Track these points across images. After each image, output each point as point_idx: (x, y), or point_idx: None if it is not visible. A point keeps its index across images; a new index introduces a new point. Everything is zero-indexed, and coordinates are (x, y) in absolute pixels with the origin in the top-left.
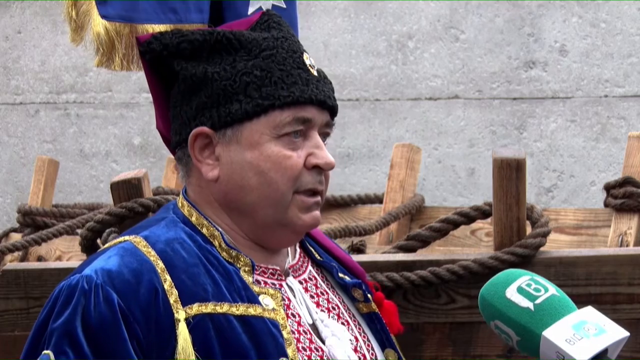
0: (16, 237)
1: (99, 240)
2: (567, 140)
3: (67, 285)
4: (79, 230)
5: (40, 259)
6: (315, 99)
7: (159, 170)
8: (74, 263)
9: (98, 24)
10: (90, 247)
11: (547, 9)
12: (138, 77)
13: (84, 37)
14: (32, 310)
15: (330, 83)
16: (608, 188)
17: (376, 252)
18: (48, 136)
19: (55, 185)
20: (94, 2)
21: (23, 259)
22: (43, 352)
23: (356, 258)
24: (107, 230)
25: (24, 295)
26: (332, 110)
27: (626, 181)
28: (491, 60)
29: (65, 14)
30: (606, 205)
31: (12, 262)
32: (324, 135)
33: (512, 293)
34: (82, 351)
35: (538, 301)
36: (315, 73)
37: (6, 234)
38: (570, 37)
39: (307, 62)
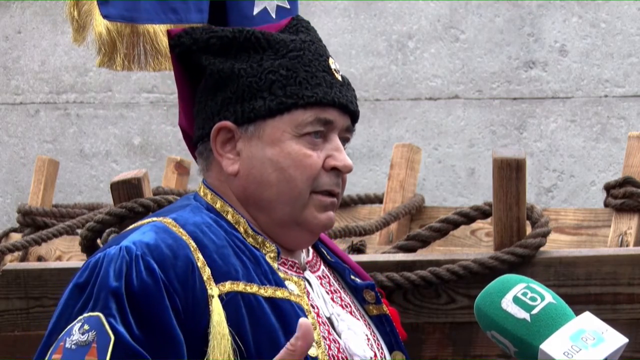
0: (16, 237)
1: (99, 240)
2: (567, 140)
3: (105, 255)
4: (79, 230)
5: (40, 259)
6: (337, 101)
7: (159, 170)
8: (74, 263)
9: (100, 24)
10: (90, 247)
11: (547, 9)
12: (138, 77)
13: (85, 37)
14: (32, 310)
15: (354, 90)
16: (608, 188)
17: (376, 252)
18: (48, 136)
19: (55, 185)
20: (95, 2)
21: (23, 259)
22: (90, 314)
23: (356, 258)
24: (107, 230)
25: (24, 295)
26: (354, 116)
27: (626, 181)
28: (491, 60)
29: (67, 14)
30: (606, 205)
31: (12, 262)
32: (344, 140)
33: (507, 303)
34: (127, 319)
35: (534, 311)
36: (339, 78)
37: (6, 234)
38: (570, 37)
39: (333, 66)
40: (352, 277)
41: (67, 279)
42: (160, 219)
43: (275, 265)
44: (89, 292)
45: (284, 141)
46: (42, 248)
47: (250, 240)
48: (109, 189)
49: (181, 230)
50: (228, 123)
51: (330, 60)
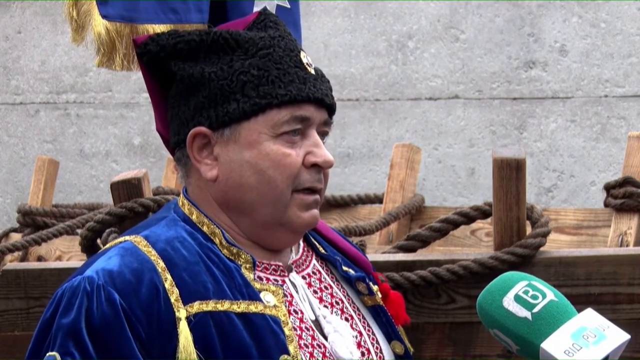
0: (16, 237)
1: (99, 240)
2: (567, 140)
3: (69, 287)
4: (79, 230)
5: (40, 259)
6: (312, 97)
7: (159, 170)
8: (74, 263)
9: (99, 24)
10: (90, 247)
11: (547, 9)
12: (138, 77)
13: (84, 37)
14: (32, 310)
15: (328, 82)
16: (608, 188)
17: (376, 252)
18: (48, 136)
19: (55, 185)
20: (94, 2)
21: (23, 259)
22: (48, 354)
23: None
24: (107, 230)
25: (24, 295)
26: (330, 109)
27: (626, 181)
28: (491, 60)
29: (66, 14)
30: (606, 205)
31: (12, 262)
32: (323, 134)
33: (509, 302)
34: (87, 352)
35: (536, 310)
36: (312, 71)
37: (6, 234)
38: (570, 37)
39: (304, 60)
40: (345, 268)
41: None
42: (132, 237)
43: (251, 276)
44: (51, 329)
45: (262, 142)
46: (42, 248)
47: (225, 252)
48: (109, 189)
49: (151, 249)
50: (203, 129)
51: (302, 54)
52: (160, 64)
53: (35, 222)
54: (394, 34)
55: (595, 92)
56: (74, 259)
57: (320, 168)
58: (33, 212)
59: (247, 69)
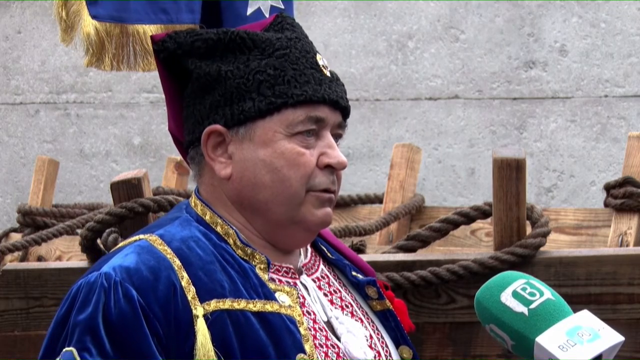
0: (16, 237)
1: (99, 240)
2: (567, 140)
3: (85, 283)
4: (79, 230)
5: (40, 259)
6: (328, 98)
7: (159, 170)
8: (74, 263)
9: (88, 24)
10: (90, 247)
11: (547, 9)
12: (138, 77)
13: (73, 37)
14: (32, 310)
15: (343, 85)
16: (608, 188)
17: (376, 252)
18: (48, 136)
19: (55, 185)
20: (84, 2)
21: (23, 259)
22: (65, 349)
23: None
24: (107, 230)
25: (24, 295)
26: (345, 111)
27: (626, 181)
28: (491, 60)
29: (55, 14)
30: (606, 205)
31: (12, 262)
32: (336, 137)
33: (506, 297)
34: (104, 349)
35: (533, 306)
36: (328, 74)
37: (6, 234)
38: (570, 37)
39: (320, 62)
40: (354, 273)
41: (67, 279)
42: (147, 236)
43: (265, 276)
44: (68, 325)
45: (276, 141)
46: (42, 248)
47: (239, 252)
48: (109, 189)
49: (166, 248)
50: (218, 126)
51: (318, 56)
52: (176, 61)
53: (35, 222)
54: (394, 34)
55: (595, 92)
56: (74, 259)
57: (333, 169)
58: (33, 212)
59: (264, 68)
